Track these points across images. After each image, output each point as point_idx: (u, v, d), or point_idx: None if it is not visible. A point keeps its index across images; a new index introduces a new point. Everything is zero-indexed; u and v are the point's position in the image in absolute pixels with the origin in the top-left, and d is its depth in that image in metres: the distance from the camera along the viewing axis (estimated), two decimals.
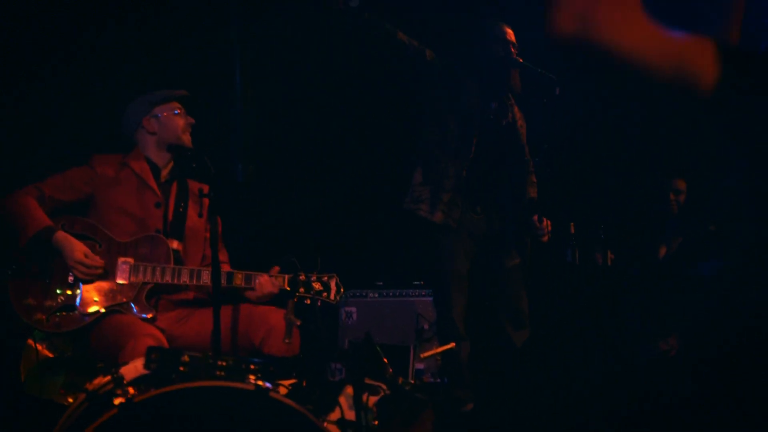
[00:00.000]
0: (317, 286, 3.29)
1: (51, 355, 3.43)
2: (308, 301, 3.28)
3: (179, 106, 3.54)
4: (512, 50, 4.02)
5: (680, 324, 3.78)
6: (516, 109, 4.19)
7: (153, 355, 2.15)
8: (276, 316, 3.23)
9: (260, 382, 2.05)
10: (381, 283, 4.49)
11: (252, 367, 2.18)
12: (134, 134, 3.53)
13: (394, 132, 5.01)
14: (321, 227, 4.82)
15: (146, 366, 2.18)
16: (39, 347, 3.42)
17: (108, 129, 3.88)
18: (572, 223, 4.15)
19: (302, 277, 3.29)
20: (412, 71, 4.04)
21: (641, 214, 4.21)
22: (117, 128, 3.65)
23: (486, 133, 4.06)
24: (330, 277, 3.32)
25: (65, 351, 3.42)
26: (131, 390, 2.14)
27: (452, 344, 3.55)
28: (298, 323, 2.67)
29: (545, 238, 4.06)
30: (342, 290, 3.35)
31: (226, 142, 5.06)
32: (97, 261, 3.16)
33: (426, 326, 4.19)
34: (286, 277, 3.29)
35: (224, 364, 2.15)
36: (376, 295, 4.45)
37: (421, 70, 4.02)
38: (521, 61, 4.01)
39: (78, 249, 3.14)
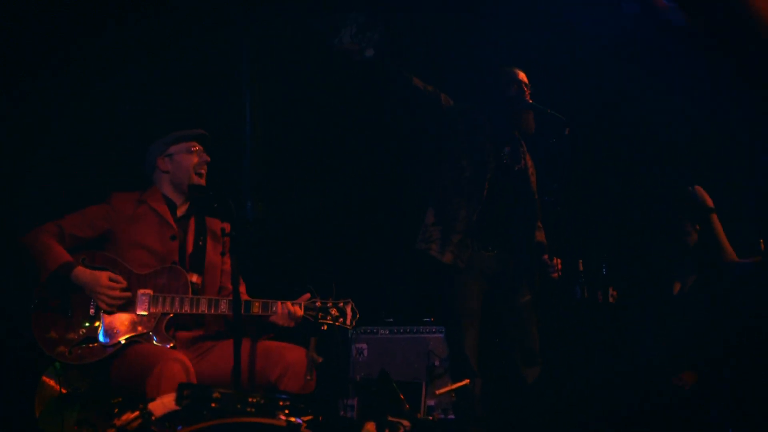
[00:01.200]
0: (334, 311, 3.39)
1: (64, 391, 3.45)
2: (325, 327, 3.34)
3: (194, 144, 3.61)
4: (525, 90, 4.13)
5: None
6: (528, 157, 4.29)
7: (185, 392, 2.19)
8: (292, 354, 3.28)
9: (292, 419, 2.08)
10: (392, 320, 4.51)
11: (281, 403, 2.22)
12: (152, 174, 3.63)
13: (406, 171, 5.08)
14: (332, 264, 4.86)
15: (178, 402, 2.23)
16: (52, 383, 3.45)
17: (125, 167, 3.96)
18: (581, 261, 4.20)
19: (318, 304, 3.38)
20: (427, 115, 4.14)
21: (656, 249, 4.27)
22: (136, 167, 3.71)
23: (498, 177, 4.17)
24: (345, 303, 3.42)
25: (79, 387, 3.45)
26: (164, 426, 2.17)
27: (467, 381, 3.59)
28: (320, 360, 2.71)
29: (555, 275, 4.12)
30: (358, 315, 3.41)
31: (235, 181, 5.11)
32: (121, 281, 3.24)
33: (437, 363, 4.21)
34: (303, 302, 3.37)
35: (254, 400, 2.19)
36: (387, 332, 4.46)
37: (436, 114, 4.12)
38: (531, 102, 4.10)
39: (102, 276, 3.23)
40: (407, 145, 5.11)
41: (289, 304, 3.36)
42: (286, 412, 2.20)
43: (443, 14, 4.98)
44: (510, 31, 4.81)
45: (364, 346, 4.42)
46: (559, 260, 4.10)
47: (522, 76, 4.19)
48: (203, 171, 3.60)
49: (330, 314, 3.37)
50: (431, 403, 4.18)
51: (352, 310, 3.41)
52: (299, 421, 2.10)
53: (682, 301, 3.98)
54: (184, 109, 4.49)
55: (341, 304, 3.39)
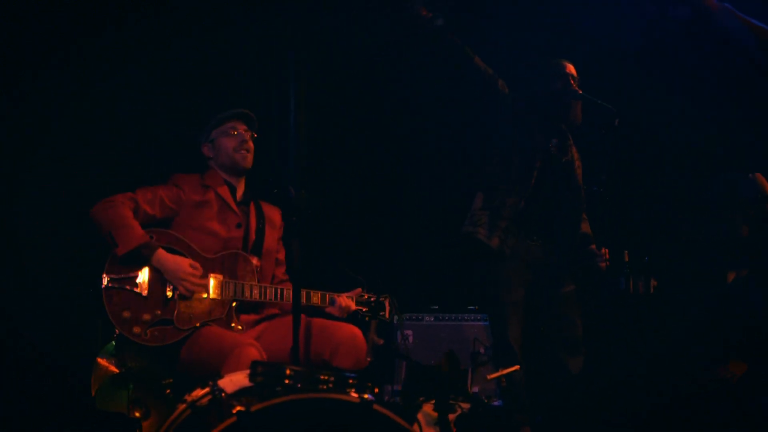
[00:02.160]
0: (375, 305, 3.58)
1: (117, 371, 3.55)
2: (367, 318, 3.55)
3: (233, 125, 3.58)
4: (572, 83, 4.16)
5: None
6: (574, 149, 4.33)
7: (259, 368, 2.25)
8: (344, 331, 3.38)
9: (365, 395, 2.14)
10: (436, 307, 4.59)
11: (350, 381, 2.28)
12: (204, 159, 3.68)
13: (454, 158, 5.11)
14: (378, 252, 4.92)
15: (251, 378, 2.29)
16: (106, 363, 3.55)
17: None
18: (626, 251, 4.22)
19: (365, 297, 3.57)
20: (482, 98, 4.16)
21: (706, 242, 4.28)
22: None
23: (546, 168, 4.21)
24: (385, 297, 3.60)
25: (132, 367, 3.54)
26: (236, 401, 2.25)
27: (517, 366, 3.64)
28: (381, 342, 2.78)
29: (603, 265, 4.15)
30: (395, 308, 3.59)
31: (279, 167, 5.15)
32: (199, 268, 3.28)
33: (482, 350, 4.27)
34: (355, 296, 3.56)
35: (325, 377, 2.25)
36: (432, 319, 4.55)
37: (491, 98, 4.15)
38: (580, 92, 4.14)
39: (185, 263, 3.26)
40: (453, 132, 5.13)
41: (345, 296, 3.53)
42: (356, 389, 2.26)
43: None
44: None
45: (410, 332, 4.51)
46: (606, 250, 4.13)
47: (570, 68, 4.23)
48: (245, 151, 3.57)
49: (372, 307, 3.56)
50: (476, 389, 4.25)
51: (391, 303, 3.59)
52: (371, 397, 2.16)
53: (736, 289, 3.98)
54: (229, 98, 4.53)
55: (382, 298, 3.58)
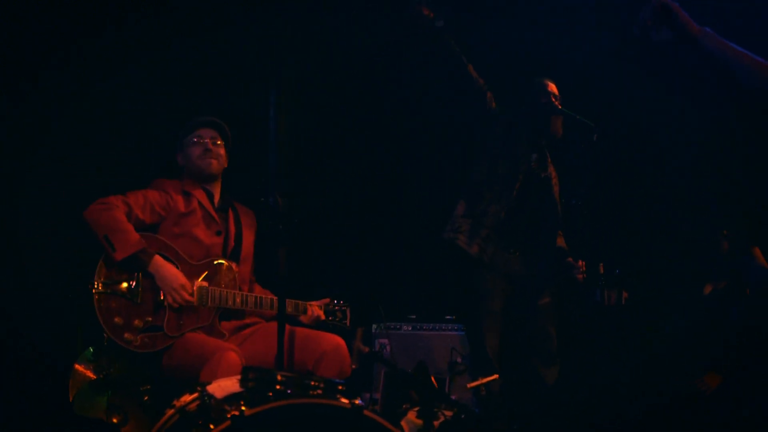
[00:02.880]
0: (339, 314, 3.70)
1: (94, 377, 3.54)
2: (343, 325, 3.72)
3: (203, 132, 3.56)
4: (553, 100, 4.26)
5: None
6: (552, 167, 4.45)
7: (250, 374, 2.27)
8: (328, 341, 3.41)
9: (356, 401, 2.17)
10: (414, 317, 4.63)
11: (339, 387, 2.31)
12: (181, 169, 3.67)
13: (433, 166, 5.16)
14: (354, 261, 4.94)
15: (242, 384, 2.31)
16: (83, 369, 3.54)
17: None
18: (601, 264, 4.30)
19: (332, 306, 3.71)
20: (470, 108, 4.24)
21: (690, 251, 4.38)
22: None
23: (527, 181, 4.31)
24: (347, 306, 3.73)
25: (109, 373, 3.53)
26: (227, 406, 2.26)
27: (496, 375, 3.69)
28: (366, 350, 2.81)
29: (580, 277, 4.23)
30: (348, 316, 3.72)
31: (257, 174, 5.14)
32: (190, 289, 3.28)
33: (459, 359, 4.32)
34: (323, 305, 3.69)
35: (315, 383, 2.28)
36: (410, 328, 4.59)
37: (479, 109, 4.23)
38: (560, 107, 4.23)
39: (178, 277, 3.25)
40: (435, 140, 5.19)
41: (316, 307, 3.63)
42: (344, 395, 2.29)
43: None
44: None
45: (386, 341, 4.54)
46: (583, 262, 4.21)
47: (552, 87, 4.36)
48: (209, 158, 3.53)
49: (335, 316, 3.69)
50: (454, 397, 4.29)
51: (350, 313, 3.72)
52: (362, 402, 2.19)
53: (712, 301, 4.08)
54: (208, 105, 4.52)
55: (345, 308, 3.71)
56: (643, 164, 4.92)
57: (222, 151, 3.60)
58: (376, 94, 5.13)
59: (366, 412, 2.18)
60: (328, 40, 4.77)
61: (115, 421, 3.46)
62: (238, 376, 2.38)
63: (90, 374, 3.53)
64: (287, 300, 3.48)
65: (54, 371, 3.80)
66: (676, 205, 4.76)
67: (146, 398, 3.47)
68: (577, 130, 4.15)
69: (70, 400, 3.48)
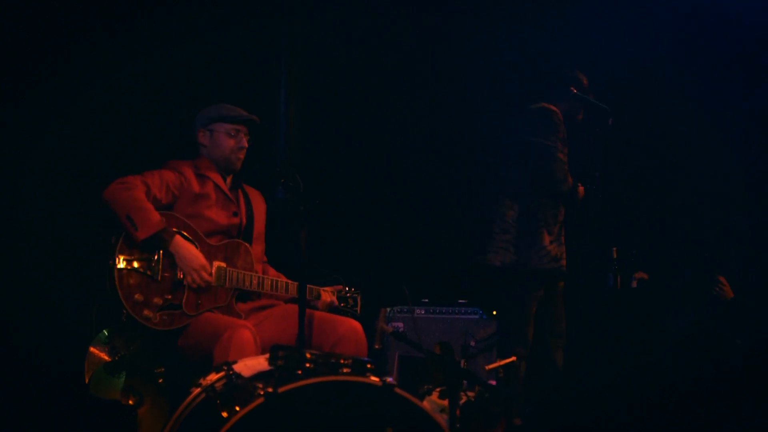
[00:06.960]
0: (351, 301, 3.77)
1: (109, 359, 3.55)
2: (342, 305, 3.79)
3: (237, 129, 3.59)
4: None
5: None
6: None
7: (279, 353, 2.27)
8: (344, 325, 3.42)
9: (387, 379, 2.18)
10: (427, 300, 4.63)
11: (368, 366, 2.31)
12: (196, 141, 3.65)
13: (449, 153, 5.17)
14: (371, 245, 4.94)
15: (271, 362, 2.31)
16: (98, 351, 3.55)
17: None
18: (615, 248, 4.31)
19: (343, 293, 3.76)
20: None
21: (703, 237, 4.39)
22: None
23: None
24: (358, 294, 3.81)
25: (124, 354, 3.54)
26: (258, 383, 2.27)
27: (514, 357, 3.70)
28: (390, 331, 2.81)
29: None
30: (359, 303, 3.80)
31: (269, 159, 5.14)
32: (209, 269, 3.29)
33: (472, 343, 4.32)
34: (336, 291, 3.73)
35: (345, 362, 2.28)
36: (423, 312, 4.60)
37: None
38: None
39: (198, 257, 3.26)
40: (450, 128, 5.19)
41: (329, 292, 3.66)
42: (375, 373, 2.29)
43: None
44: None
45: (401, 324, 4.55)
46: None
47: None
48: (241, 156, 3.60)
49: (347, 302, 3.75)
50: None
51: (361, 300, 3.79)
52: (392, 380, 2.20)
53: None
54: (221, 91, 4.50)
55: (356, 294, 3.78)
56: (659, 150, 4.92)
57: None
58: (400, 71, 5.09)
59: (397, 390, 2.18)
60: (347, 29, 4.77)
61: (131, 402, 3.47)
62: (266, 355, 2.38)
63: (105, 356, 3.54)
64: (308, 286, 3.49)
65: (69, 353, 3.80)
66: (691, 190, 4.77)
67: (161, 380, 3.49)
68: (592, 113, 4.15)
69: (86, 382, 3.50)
